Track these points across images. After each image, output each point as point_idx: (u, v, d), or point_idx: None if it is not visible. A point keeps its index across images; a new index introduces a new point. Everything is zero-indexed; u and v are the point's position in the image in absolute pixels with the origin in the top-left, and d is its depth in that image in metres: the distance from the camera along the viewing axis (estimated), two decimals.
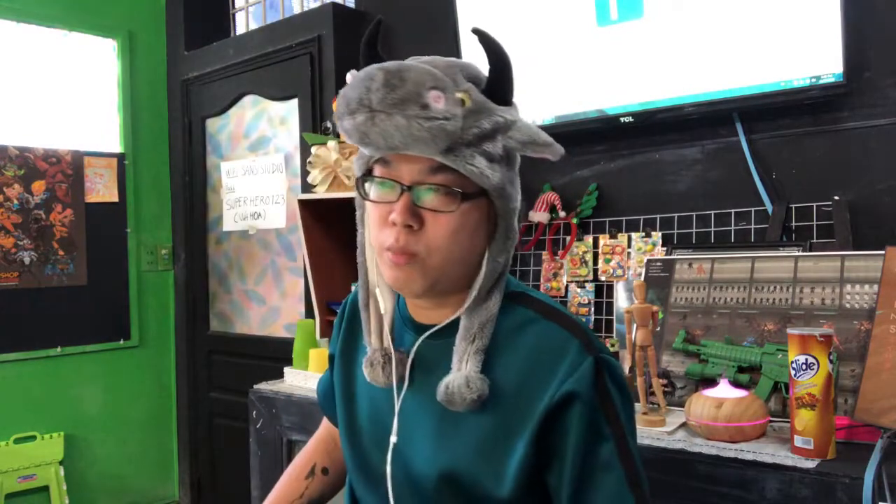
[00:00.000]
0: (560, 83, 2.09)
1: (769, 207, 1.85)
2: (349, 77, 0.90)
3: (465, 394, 0.83)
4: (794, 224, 1.82)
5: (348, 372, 1.03)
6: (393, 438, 0.92)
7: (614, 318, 2.07)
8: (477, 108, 0.81)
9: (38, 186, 3.09)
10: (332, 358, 1.09)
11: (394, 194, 0.83)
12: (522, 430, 0.84)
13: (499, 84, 0.84)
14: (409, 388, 0.92)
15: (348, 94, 0.78)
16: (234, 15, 3.60)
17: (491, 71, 0.84)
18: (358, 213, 0.94)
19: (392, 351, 0.92)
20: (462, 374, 0.84)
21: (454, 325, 0.89)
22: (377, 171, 0.86)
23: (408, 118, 0.75)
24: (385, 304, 0.93)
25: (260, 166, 3.17)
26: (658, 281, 1.80)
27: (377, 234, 0.86)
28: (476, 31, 0.83)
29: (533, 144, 0.86)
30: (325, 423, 1.20)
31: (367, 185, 0.87)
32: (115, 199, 3.34)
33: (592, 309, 2.13)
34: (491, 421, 0.86)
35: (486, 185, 0.83)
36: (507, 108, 0.85)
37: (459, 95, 0.80)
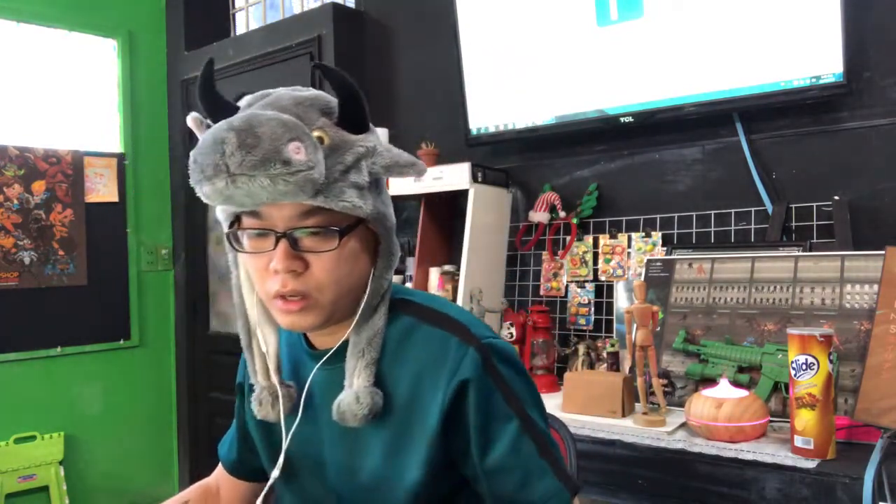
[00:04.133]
0: (560, 83, 2.08)
1: (769, 207, 1.85)
2: (191, 122, 0.87)
3: (356, 409, 0.83)
4: (794, 224, 1.82)
5: None
6: (275, 472, 0.92)
7: (614, 318, 2.07)
8: (336, 143, 0.81)
9: (38, 186, 3.09)
10: (240, 387, 1.07)
11: (270, 243, 0.81)
12: (423, 437, 0.85)
13: (351, 114, 0.83)
14: (308, 416, 0.92)
15: (201, 160, 0.74)
16: (234, 15, 3.60)
17: (340, 103, 0.83)
18: (230, 256, 0.93)
19: (278, 387, 0.92)
20: (352, 390, 0.85)
21: (346, 346, 0.89)
22: (247, 222, 0.84)
23: (272, 177, 0.73)
24: (268, 341, 0.93)
25: None
26: (658, 281, 1.80)
27: (261, 283, 0.85)
28: (317, 66, 0.81)
29: (397, 167, 0.85)
30: (216, 472, 1.18)
31: (237, 235, 0.85)
32: (115, 199, 3.34)
33: (592, 309, 2.13)
34: (390, 433, 0.87)
35: (362, 214, 0.83)
36: (366, 134, 0.84)
37: (317, 134, 0.79)
